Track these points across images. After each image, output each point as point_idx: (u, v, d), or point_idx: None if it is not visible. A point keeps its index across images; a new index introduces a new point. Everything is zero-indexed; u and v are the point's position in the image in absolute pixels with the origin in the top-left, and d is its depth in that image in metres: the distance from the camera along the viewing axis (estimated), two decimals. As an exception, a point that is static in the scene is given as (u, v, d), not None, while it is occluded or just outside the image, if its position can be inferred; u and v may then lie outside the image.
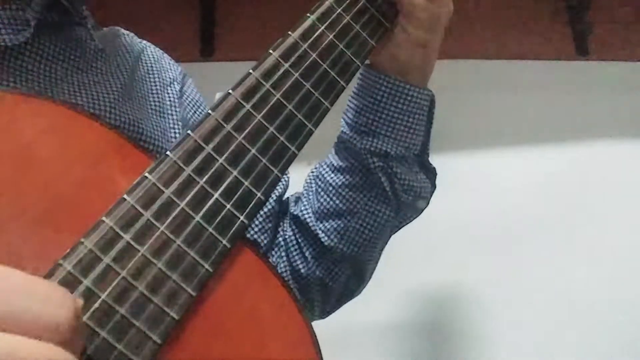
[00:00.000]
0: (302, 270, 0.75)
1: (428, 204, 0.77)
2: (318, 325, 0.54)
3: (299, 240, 0.75)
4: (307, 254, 0.75)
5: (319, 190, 0.74)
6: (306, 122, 0.57)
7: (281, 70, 0.56)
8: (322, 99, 0.58)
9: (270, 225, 0.77)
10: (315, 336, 0.53)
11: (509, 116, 1.93)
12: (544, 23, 2.08)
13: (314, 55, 0.58)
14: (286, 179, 0.79)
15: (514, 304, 1.72)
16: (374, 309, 1.68)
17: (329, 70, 0.59)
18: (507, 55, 2.03)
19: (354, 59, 0.61)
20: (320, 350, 0.52)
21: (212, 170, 0.51)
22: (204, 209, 0.50)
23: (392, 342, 1.71)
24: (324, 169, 0.74)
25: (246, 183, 0.53)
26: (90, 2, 0.71)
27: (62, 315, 0.35)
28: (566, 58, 2.05)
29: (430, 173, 0.76)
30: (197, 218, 0.50)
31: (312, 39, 0.58)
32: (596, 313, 1.71)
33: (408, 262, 1.72)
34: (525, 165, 1.88)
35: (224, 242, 0.51)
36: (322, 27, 0.59)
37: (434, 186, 0.77)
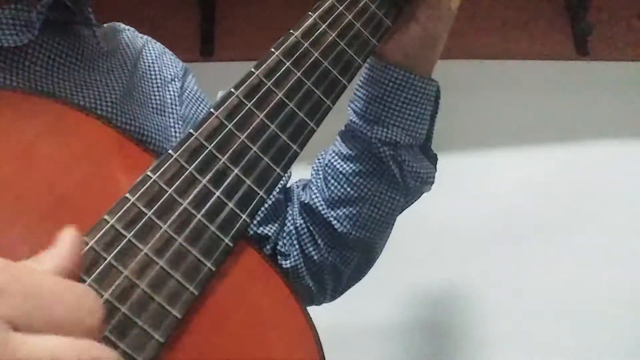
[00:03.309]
0: (315, 257, 0.76)
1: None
2: (318, 324, 0.54)
3: (311, 228, 0.76)
4: (319, 241, 0.76)
5: (329, 178, 0.75)
6: (308, 121, 0.57)
7: (283, 69, 0.56)
8: (323, 98, 0.58)
9: (276, 214, 0.77)
10: (317, 333, 0.53)
11: (509, 116, 1.93)
12: (544, 23, 2.08)
13: (315, 54, 0.58)
14: (289, 172, 0.79)
15: (513, 304, 1.72)
16: (374, 308, 1.68)
17: (331, 69, 0.59)
18: (507, 55, 2.03)
19: (356, 58, 0.61)
20: (322, 348, 0.52)
21: (214, 169, 0.51)
22: (206, 208, 0.50)
23: (392, 341, 1.71)
24: (333, 157, 0.75)
25: (248, 182, 0.53)
26: (91, 1, 0.71)
27: (92, 322, 0.36)
28: (566, 58, 2.05)
29: (432, 158, 0.78)
30: (199, 217, 0.50)
31: (313, 37, 0.58)
32: (596, 313, 1.71)
33: (408, 261, 1.72)
34: (525, 165, 1.88)
35: (226, 240, 0.51)
36: (324, 26, 0.59)
37: (435, 169, 0.78)
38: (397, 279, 1.70)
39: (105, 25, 0.75)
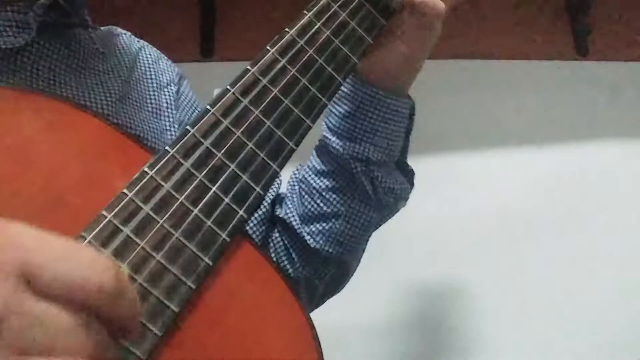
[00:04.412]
0: (290, 271, 0.76)
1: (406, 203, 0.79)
2: (316, 322, 0.54)
3: (286, 242, 0.77)
4: (293, 255, 0.76)
5: (303, 193, 0.75)
6: (304, 118, 0.57)
7: (278, 67, 0.57)
8: (319, 95, 0.59)
9: (262, 228, 0.78)
10: (315, 329, 0.53)
11: (508, 116, 1.93)
12: (544, 23, 2.08)
13: (310, 52, 0.59)
14: (279, 181, 0.79)
15: (512, 304, 1.72)
16: (371, 306, 1.68)
17: (326, 67, 0.59)
18: (507, 55, 2.03)
19: (351, 56, 0.61)
20: (319, 342, 0.53)
21: (211, 164, 0.52)
22: (203, 203, 0.51)
23: (389, 339, 1.71)
24: (307, 173, 0.76)
25: (244, 177, 0.53)
26: (90, 1, 0.71)
27: (105, 279, 0.35)
28: (566, 58, 2.05)
29: (408, 174, 0.78)
30: (196, 212, 0.51)
31: (308, 35, 0.59)
32: (595, 312, 1.71)
33: (407, 261, 1.72)
34: (525, 165, 1.88)
35: (223, 235, 0.51)
36: (319, 24, 0.60)
37: (412, 185, 0.78)
38: (395, 277, 1.71)
39: (102, 28, 0.76)
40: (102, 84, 0.69)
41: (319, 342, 0.53)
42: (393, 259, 1.62)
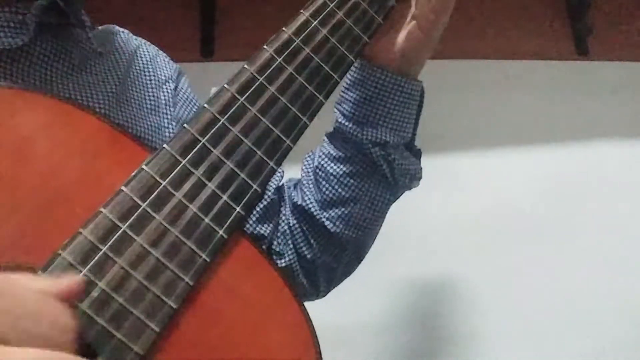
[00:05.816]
0: (309, 256, 0.77)
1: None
2: (314, 319, 0.55)
3: (304, 229, 0.77)
4: (312, 241, 0.77)
5: (320, 180, 0.76)
6: (300, 116, 0.58)
7: (275, 65, 0.57)
8: (316, 93, 0.59)
9: (271, 214, 0.78)
10: (312, 325, 0.53)
11: (508, 116, 1.93)
12: (544, 23, 2.08)
13: (307, 51, 0.59)
14: (281, 171, 0.81)
15: (512, 304, 1.72)
16: (372, 305, 1.68)
17: (323, 65, 0.60)
18: (507, 55, 2.03)
19: (347, 54, 0.62)
20: (317, 340, 0.53)
21: (208, 162, 0.53)
22: (200, 200, 0.51)
23: (390, 339, 1.71)
24: (323, 159, 0.76)
25: (242, 175, 0.54)
26: (90, 1, 0.72)
27: (64, 339, 0.40)
28: (566, 58, 2.05)
29: (417, 154, 0.79)
30: (194, 209, 0.51)
31: (305, 34, 0.60)
32: (595, 313, 1.71)
33: (406, 260, 1.72)
34: (525, 165, 1.88)
35: (221, 232, 0.52)
36: (315, 23, 0.60)
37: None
38: (395, 276, 1.71)
39: (100, 27, 0.76)
40: (99, 83, 0.69)
41: (316, 339, 0.53)
42: (393, 258, 1.62)
